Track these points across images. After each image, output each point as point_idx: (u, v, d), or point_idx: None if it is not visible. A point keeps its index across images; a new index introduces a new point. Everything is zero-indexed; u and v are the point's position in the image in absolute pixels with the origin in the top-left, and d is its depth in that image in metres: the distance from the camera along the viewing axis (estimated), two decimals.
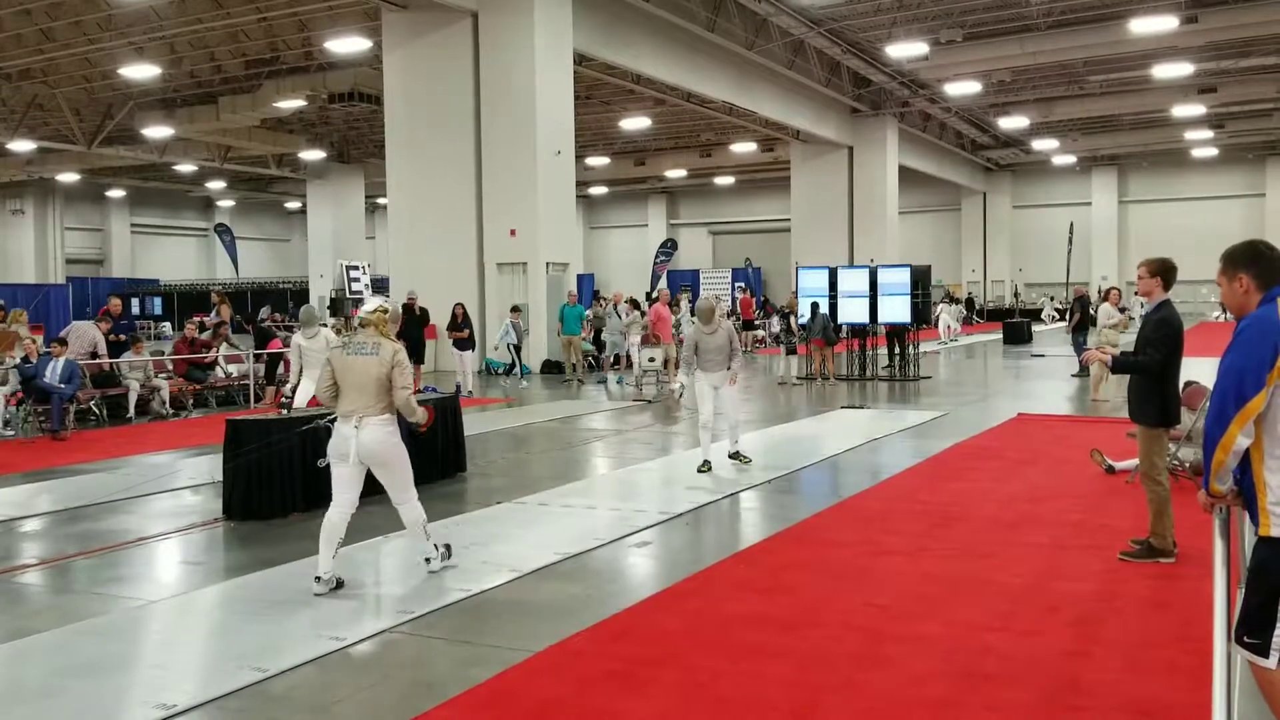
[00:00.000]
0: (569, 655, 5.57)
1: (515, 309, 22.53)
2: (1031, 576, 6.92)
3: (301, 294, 49.68)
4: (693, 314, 35.33)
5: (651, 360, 20.78)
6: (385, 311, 6.91)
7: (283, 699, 5.07)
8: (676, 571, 7.28)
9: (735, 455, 11.29)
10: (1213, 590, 3.72)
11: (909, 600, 6.43)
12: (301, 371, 12.44)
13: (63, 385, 14.56)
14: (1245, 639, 3.60)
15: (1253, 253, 3.87)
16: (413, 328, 19.47)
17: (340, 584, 6.76)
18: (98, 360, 16.48)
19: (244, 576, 7.28)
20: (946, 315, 35.72)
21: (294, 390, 12.32)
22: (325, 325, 13.70)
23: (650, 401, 18.14)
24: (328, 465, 6.90)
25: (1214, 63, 33.01)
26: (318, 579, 6.70)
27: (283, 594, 6.79)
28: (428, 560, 7.19)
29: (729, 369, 11.02)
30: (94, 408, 16.05)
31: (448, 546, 7.31)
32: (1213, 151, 50.47)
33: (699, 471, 10.86)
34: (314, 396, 12.47)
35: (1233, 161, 52.16)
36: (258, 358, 18.38)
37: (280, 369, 18.96)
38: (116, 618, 6.42)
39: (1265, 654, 3.55)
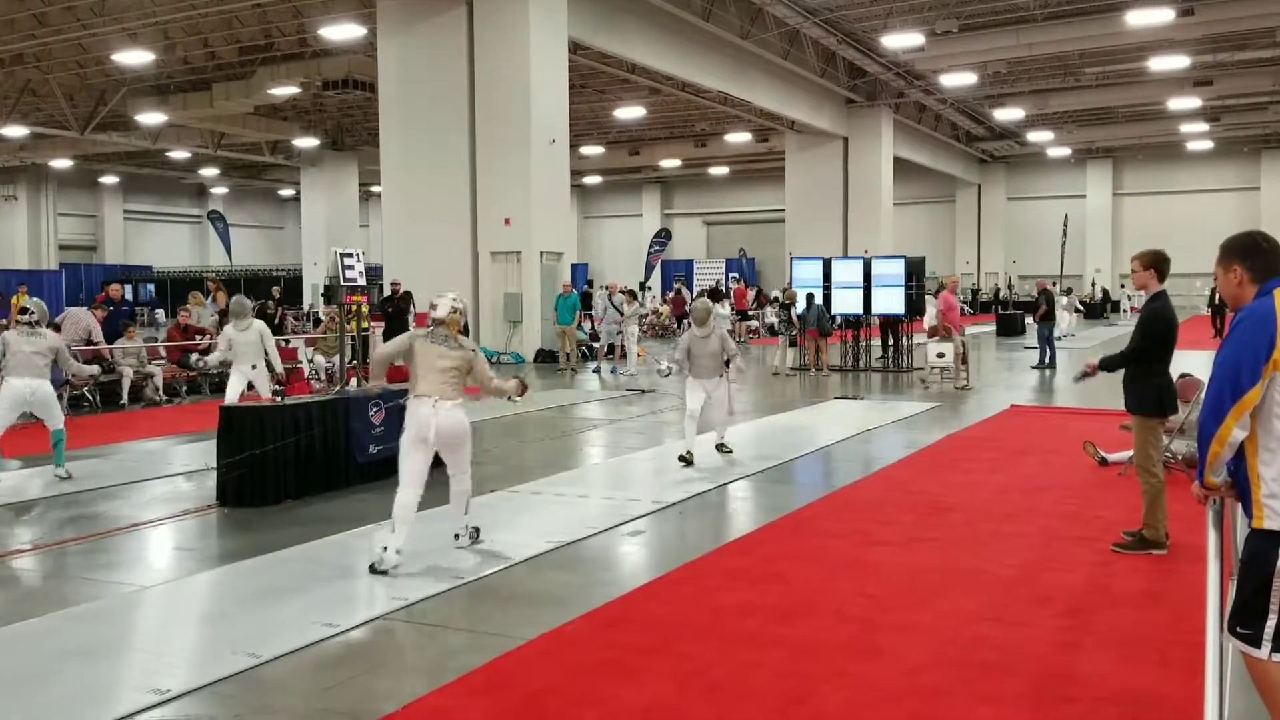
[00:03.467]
0: (562, 643, 5.57)
1: (632, 293, 22.42)
2: (1024, 567, 6.94)
3: (295, 281, 49.55)
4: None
5: (941, 356, 18.41)
6: (457, 311, 7.32)
7: (276, 685, 5.07)
8: (669, 560, 7.30)
9: (720, 446, 11.24)
10: (1205, 582, 3.74)
11: (901, 590, 6.44)
12: (231, 364, 11.94)
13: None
14: (1238, 629, 3.61)
15: (1250, 245, 3.87)
16: (397, 316, 19.49)
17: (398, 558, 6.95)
18: (93, 346, 16.44)
19: (237, 563, 7.28)
20: (931, 309, 35.69)
21: (213, 365, 12.10)
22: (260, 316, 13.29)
23: (644, 392, 18.13)
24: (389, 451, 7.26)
25: (1210, 55, 32.98)
26: (397, 551, 6.87)
27: (276, 580, 6.80)
28: (457, 536, 7.51)
29: (721, 376, 10.89)
30: (87, 394, 16.01)
31: (477, 530, 7.59)
32: (1208, 144, 50.49)
33: (680, 462, 10.75)
34: (246, 391, 12.09)
35: (1227, 154, 52.21)
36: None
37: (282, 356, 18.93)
38: (110, 603, 6.41)
39: (1258, 644, 3.57)
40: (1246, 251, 3.85)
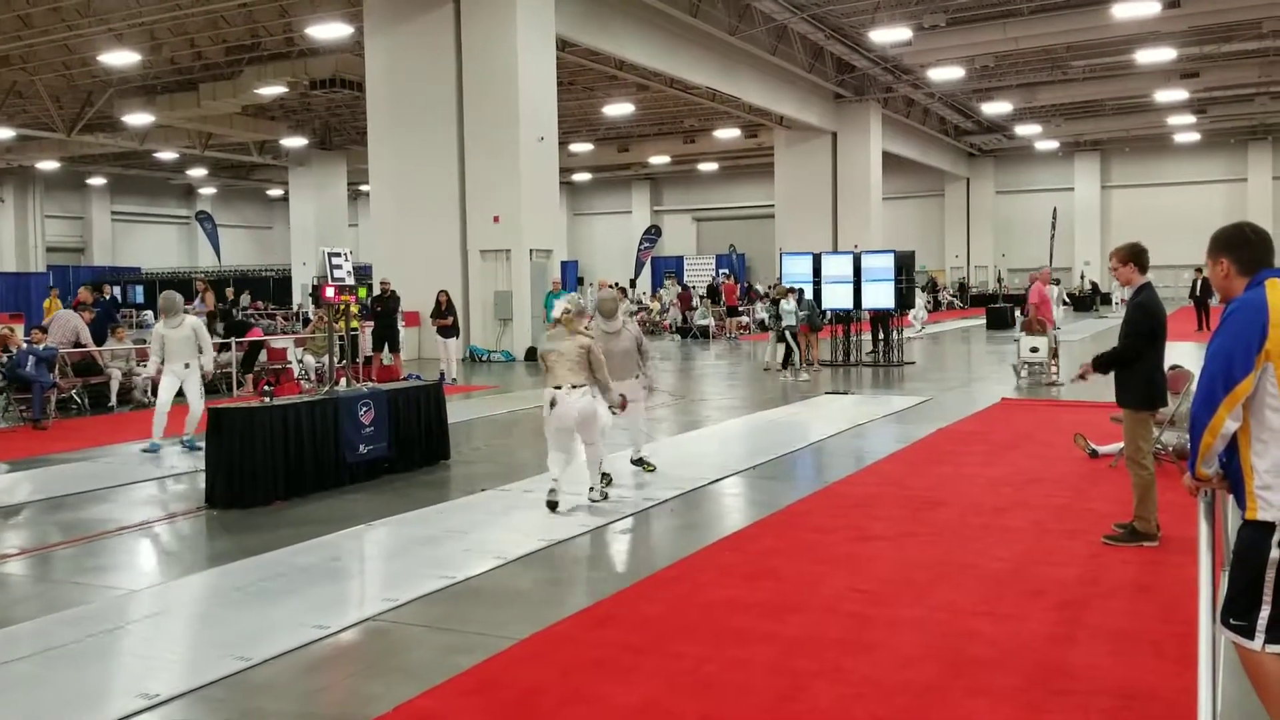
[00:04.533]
0: (553, 642, 5.55)
1: (624, 290, 22.09)
2: (1015, 561, 6.93)
3: (284, 281, 49.46)
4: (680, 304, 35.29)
5: (1034, 351, 16.97)
6: (568, 312, 8.47)
7: (266, 688, 5.03)
8: (660, 558, 7.28)
9: (639, 461, 10.18)
10: (1197, 573, 3.73)
11: (894, 585, 6.43)
12: (163, 363, 11.57)
13: (41, 362, 14.39)
14: (1231, 621, 3.61)
15: (1238, 237, 3.85)
16: (386, 315, 19.44)
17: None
18: (81, 348, 16.36)
19: (227, 565, 7.23)
20: (919, 303, 35.73)
21: (151, 382, 11.77)
22: (189, 312, 12.54)
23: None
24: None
25: (1196, 47, 33.08)
26: (554, 480, 8.48)
27: (266, 582, 6.76)
28: (591, 489, 8.80)
29: (637, 377, 9.61)
30: (76, 396, 15.94)
31: (607, 477, 9.03)
32: (1195, 136, 50.67)
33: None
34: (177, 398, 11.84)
35: (1214, 146, 52.42)
36: (238, 345, 18.20)
37: (265, 357, 18.87)
38: (99, 607, 6.37)
39: (1250, 636, 3.56)
40: (1232, 243, 3.84)
